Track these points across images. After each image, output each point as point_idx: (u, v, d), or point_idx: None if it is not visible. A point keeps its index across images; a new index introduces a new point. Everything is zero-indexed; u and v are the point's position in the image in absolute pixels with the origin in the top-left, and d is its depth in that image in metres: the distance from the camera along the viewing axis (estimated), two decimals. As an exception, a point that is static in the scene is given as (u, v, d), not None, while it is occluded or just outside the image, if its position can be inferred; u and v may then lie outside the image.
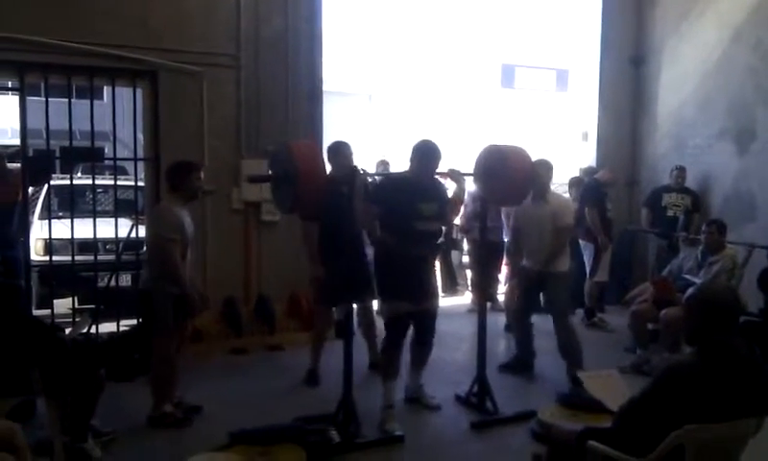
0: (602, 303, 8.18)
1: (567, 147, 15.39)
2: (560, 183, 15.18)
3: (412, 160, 4.91)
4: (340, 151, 5.50)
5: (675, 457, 2.68)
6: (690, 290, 3.03)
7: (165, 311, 4.65)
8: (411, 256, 4.81)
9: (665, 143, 8.92)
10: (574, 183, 8.35)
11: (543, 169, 5.78)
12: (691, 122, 8.54)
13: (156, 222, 4.77)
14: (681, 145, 8.66)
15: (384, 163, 8.49)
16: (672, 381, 2.79)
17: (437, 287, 5.48)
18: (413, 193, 4.85)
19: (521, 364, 6.09)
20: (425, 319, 5.14)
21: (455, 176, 5.21)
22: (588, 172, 8.50)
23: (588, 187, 7.90)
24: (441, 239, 5.32)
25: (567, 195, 8.62)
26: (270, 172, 4.82)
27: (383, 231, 4.79)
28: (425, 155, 4.89)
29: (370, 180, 4.95)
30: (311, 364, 5.79)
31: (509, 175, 4.94)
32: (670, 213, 7.99)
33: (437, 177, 5.13)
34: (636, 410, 2.89)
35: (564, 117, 16.20)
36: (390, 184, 4.80)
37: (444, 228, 5.38)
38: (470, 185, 8.51)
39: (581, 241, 7.85)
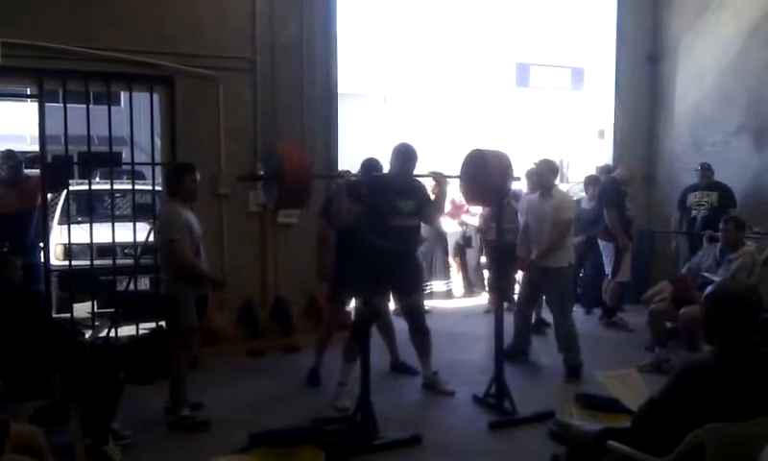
0: (621, 303, 8.12)
1: (583, 145, 15.35)
2: (576, 182, 15.14)
3: (391, 162, 5.26)
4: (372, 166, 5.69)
5: (695, 457, 2.66)
6: (709, 288, 3.01)
7: (189, 313, 4.70)
8: (389, 252, 5.02)
9: (683, 140, 8.85)
10: (590, 182, 8.31)
11: (546, 169, 6.11)
12: (709, 119, 8.47)
13: (162, 227, 4.83)
14: (698, 142, 8.59)
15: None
16: (691, 380, 2.77)
17: (419, 281, 5.73)
18: (391, 191, 5.18)
19: (516, 351, 6.26)
20: (409, 312, 5.55)
21: (437, 177, 5.36)
22: (605, 170, 8.44)
23: (605, 187, 7.82)
24: (420, 236, 5.78)
25: (583, 193, 8.60)
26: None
27: (365, 228, 4.90)
28: (402, 156, 5.25)
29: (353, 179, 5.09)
30: (314, 363, 5.82)
31: (485, 176, 5.06)
32: (693, 213, 7.76)
33: (417, 178, 5.42)
34: (656, 410, 2.87)
35: (580, 115, 16.16)
36: (370, 183, 4.95)
37: (422, 224, 5.69)
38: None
39: (600, 241, 7.81)
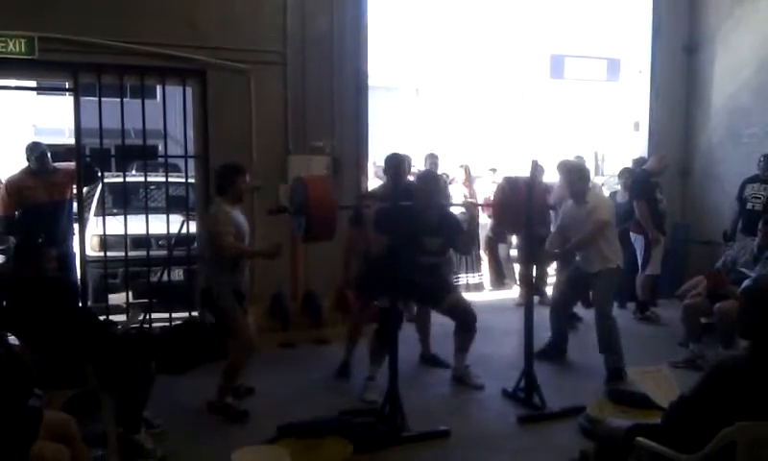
0: (654, 297, 8.01)
1: (619, 137, 15.14)
2: (610, 175, 14.95)
3: (416, 193, 5.23)
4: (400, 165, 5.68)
5: (726, 455, 2.61)
6: (746, 283, 2.95)
7: (230, 304, 4.76)
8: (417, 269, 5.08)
9: (720, 132, 8.68)
10: (624, 174, 8.21)
11: (576, 177, 5.96)
12: (747, 110, 8.28)
13: (210, 222, 4.89)
14: (736, 134, 8.41)
15: (432, 156, 8.47)
16: (724, 377, 2.72)
17: (449, 284, 5.64)
18: (418, 227, 5.11)
19: (556, 350, 6.19)
20: (455, 312, 5.51)
21: (469, 206, 5.53)
22: (639, 162, 8.32)
23: (636, 179, 7.72)
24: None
25: (618, 186, 8.49)
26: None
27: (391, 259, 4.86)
28: (427, 186, 5.28)
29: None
30: (345, 356, 5.84)
31: (516, 205, 5.14)
32: (749, 206, 7.39)
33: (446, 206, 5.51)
34: (687, 406, 2.83)
35: (616, 107, 15.93)
36: (395, 215, 4.82)
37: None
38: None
39: (632, 234, 7.71)
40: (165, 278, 6.88)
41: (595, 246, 5.74)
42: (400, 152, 6.01)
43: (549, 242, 6.23)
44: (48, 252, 4.39)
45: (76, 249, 6.79)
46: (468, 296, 8.62)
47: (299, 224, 4.52)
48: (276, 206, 5.01)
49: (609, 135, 18.80)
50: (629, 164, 8.69)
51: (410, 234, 4.98)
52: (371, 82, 7.44)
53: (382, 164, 6.23)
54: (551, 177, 8.06)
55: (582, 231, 5.78)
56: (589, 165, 12.86)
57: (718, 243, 7.86)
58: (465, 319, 5.56)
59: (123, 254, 6.70)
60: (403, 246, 4.78)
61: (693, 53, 8.99)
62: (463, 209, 5.83)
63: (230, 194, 4.87)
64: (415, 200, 5.17)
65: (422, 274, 5.28)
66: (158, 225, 6.87)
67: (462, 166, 9.39)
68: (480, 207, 5.41)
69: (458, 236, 5.47)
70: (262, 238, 6.76)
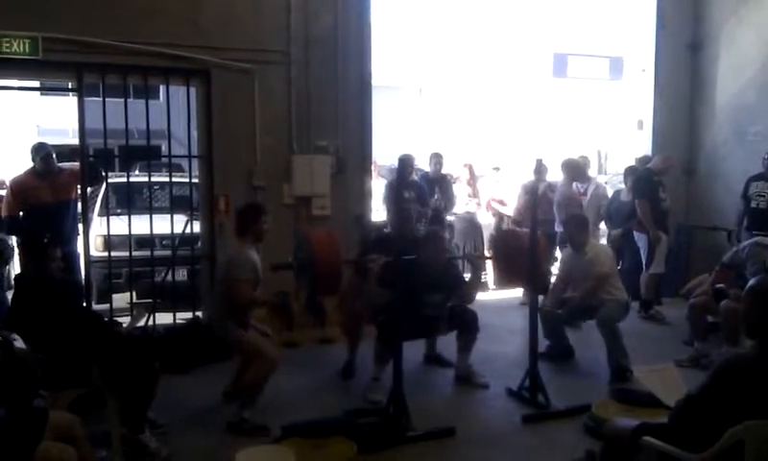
0: (659, 296, 7.99)
1: (622, 136, 15.12)
2: (614, 173, 14.95)
3: (420, 247, 5.39)
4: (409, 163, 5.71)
5: (733, 454, 2.60)
6: (751, 282, 2.94)
7: (238, 334, 4.74)
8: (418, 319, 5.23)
9: (724, 130, 8.65)
10: (629, 173, 8.19)
11: (573, 227, 6.05)
12: (751, 108, 8.26)
13: (230, 267, 4.78)
14: (740, 132, 8.39)
15: (437, 156, 8.46)
16: (730, 376, 2.71)
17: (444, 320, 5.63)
18: (420, 283, 5.20)
19: (559, 352, 6.13)
20: (452, 320, 5.58)
21: (473, 260, 5.75)
22: (643, 161, 8.30)
23: (639, 178, 7.69)
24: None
25: (622, 185, 8.47)
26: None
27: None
28: (430, 243, 5.45)
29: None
30: (348, 356, 5.84)
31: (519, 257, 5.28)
32: (753, 204, 7.35)
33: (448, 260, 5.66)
34: (694, 405, 2.82)
35: (619, 106, 15.91)
36: (398, 270, 4.81)
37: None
38: (525, 178, 8.51)
39: (635, 233, 7.70)
40: (169, 278, 6.88)
41: (597, 296, 5.81)
42: (406, 152, 6.00)
43: (550, 292, 6.15)
44: (53, 252, 4.39)
45: (80, 249, 6.80)
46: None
47: (303, 280, 4.54)
48: (279, 263, 5.03)
49: (612, 134, 18.79)
50: (632, 163, 8.67)
51: (411, 290, 5.04)
52: (374, 81, 7.43)
53: (384, 164, 6.24)
54: (555, 175, 8.07)
55: (584, 285, 5.86)
56: (593, 164, 12.87)
57: (723, 229, 7.86)
58: (465, 319, 5.57)
59: (127, 253, 6.71)
60: (405, 301, 4.81)
61: (697, 51, 8.96)
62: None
63: (251, 234, 4.84)
64: (419, 256, 5.27)
65: (425, 321, 5.45)
66: (162, 225, 6.88)
67: (465, 165, 9.38)
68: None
69: (459, 289, 5.61)
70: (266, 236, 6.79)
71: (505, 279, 5.78)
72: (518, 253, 5.30)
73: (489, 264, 9.28)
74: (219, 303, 4.85)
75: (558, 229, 7.45)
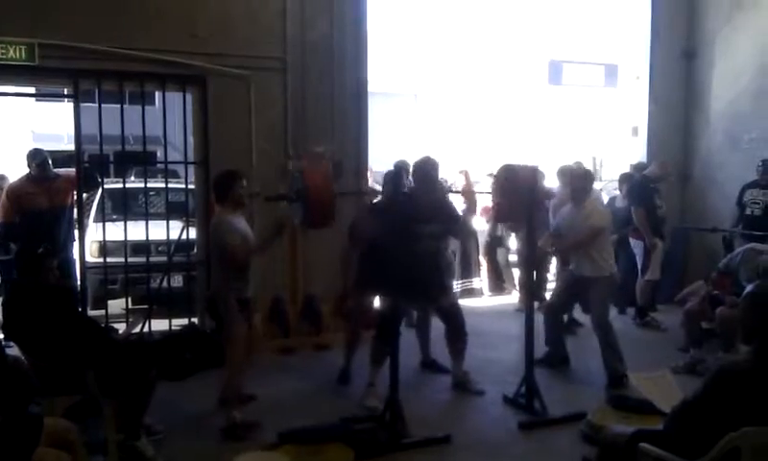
0: (654, 302, 8.01)
1: (617, 143, 15.18)
2: (609, 180, 14.99)
3: (413, 180, 5.30)
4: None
5: (730, 460, 2.61)
6: (748, 288, 2.95)
7: (232, 312, 4.72)
8: (412, 256, 4.99)
9: (719, 138, 8.69)
10: (624, 179, 8.20)
11: (578, 178, 6.05)
12: (746, 115, 8.30)
13: (216, 235, 4.79)
14: (735, 139, 8.42)
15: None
16: (726, 382, 2.72)
17: (447, 283, 5.57)
18: (414, 217, 5.08)
19: (556, 359, 6.12)
20: (445, 315, 5.51)
21: (468, 194, 5.63)
22: (639, 168, 8.32)
23: (634, 185, 7.71)
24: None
25: (617, 191, 8.49)
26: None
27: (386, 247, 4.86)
28: (423, 174, 5.28)
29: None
30: (344, 363, 5.81)
31: (515, 190, 5.13)
32: (748, 211, 7.43)
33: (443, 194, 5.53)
34: (690, 412, 2.83)
35: (614, 112, 15.98)
36: (392, 208, 4.87)
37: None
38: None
39: (631, 239, 7.71)
40: (165, 284, 6.87)
41: (587, 252, 5.75)
42: (401, 159, 6.01)
43: (543, 242, 6.21)
44: (50, 261, 4.38)
45: (76, 255, 6.78)
46: (468, 301, 8.65)
47: (296, 211, 4.55)
48: (276, 194, 5.00)
49: (607, 141, 18.85)
50: (627, 169, 8.69)
51: (404, 222, 4.94)
52: (370, 87, 7.44)
53: (379, 170, 6.25)
54: (551, 182, 8.07)
55: (577, 234, 5.82)
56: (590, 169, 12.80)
57: (722, 230, 7.88)
58: (453, 323, 5.55)
59: (123, 260, 6.70)
60: (397, 233, 4.77)
61: (692, 58, 9.00)
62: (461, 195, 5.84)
63: (230, 201, 4.81)
64: (413, 184, 5.23)
65: (419, 262, 5.19)
66: (158, 231, 6.87)
67: (461, 172, 9.37)
68: (477, 195, 5.46)
69: (455, 223, 5.54)
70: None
71: (506, 215, 5.70)
72: (518, 189, 5.15)
73: (483, 271, 9.43)
74: (215, 274, 4.87)
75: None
